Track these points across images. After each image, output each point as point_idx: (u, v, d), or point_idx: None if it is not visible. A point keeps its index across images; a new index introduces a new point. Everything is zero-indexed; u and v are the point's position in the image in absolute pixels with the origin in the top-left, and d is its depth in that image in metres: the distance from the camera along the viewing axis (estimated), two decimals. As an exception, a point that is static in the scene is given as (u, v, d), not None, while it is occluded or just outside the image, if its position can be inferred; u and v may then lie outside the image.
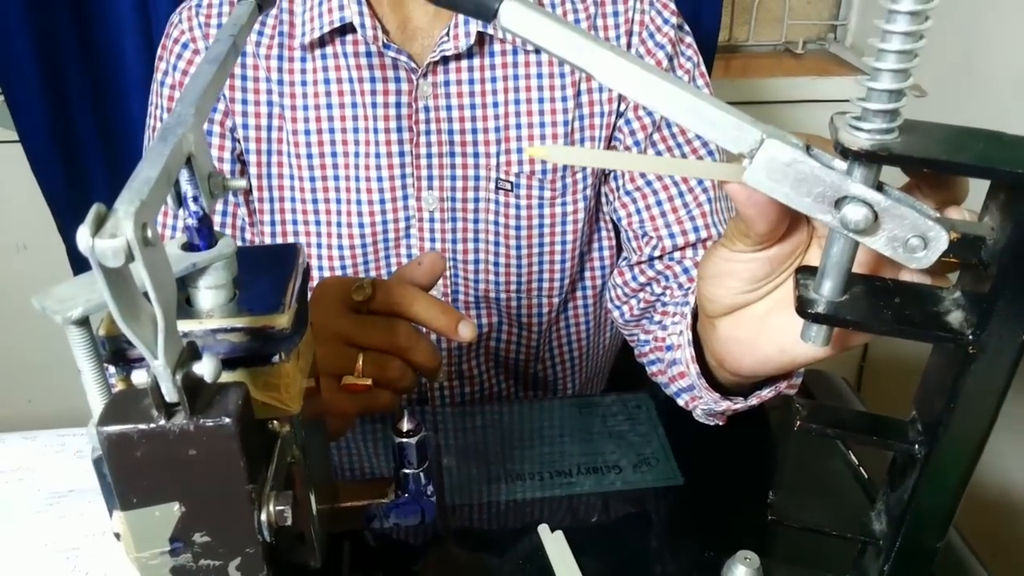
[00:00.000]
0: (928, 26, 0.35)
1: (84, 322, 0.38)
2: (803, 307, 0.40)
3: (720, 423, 0.72)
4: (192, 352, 0.36)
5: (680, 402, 0.74)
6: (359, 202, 0.85)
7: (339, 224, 0.87)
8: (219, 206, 0.87)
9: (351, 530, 0.56)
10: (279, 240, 0.88)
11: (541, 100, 0.84)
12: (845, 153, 0.37)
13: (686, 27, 0.90)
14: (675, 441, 0.75)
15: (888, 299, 0.41)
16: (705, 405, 0.68)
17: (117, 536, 0.41)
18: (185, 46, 0.86)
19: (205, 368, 0.36)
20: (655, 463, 0.72)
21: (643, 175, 0.87)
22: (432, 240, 0.87)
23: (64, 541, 0.64)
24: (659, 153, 0.87)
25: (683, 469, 0.72)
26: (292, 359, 0.43)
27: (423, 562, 0.64)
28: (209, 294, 0.42)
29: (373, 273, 0.89)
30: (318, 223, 0.87)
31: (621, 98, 0.86)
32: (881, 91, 0.37)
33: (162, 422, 0.36)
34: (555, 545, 0.63)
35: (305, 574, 0.49)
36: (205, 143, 0.40)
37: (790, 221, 0.46)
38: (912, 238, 0.38)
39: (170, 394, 0.35)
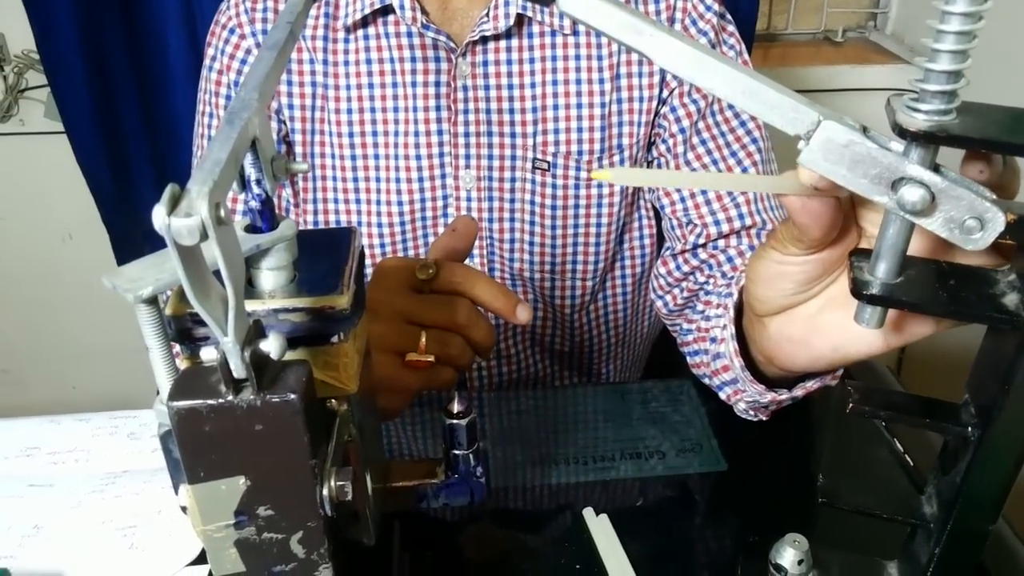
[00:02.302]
0: (988, 7, 0.35)
1: (153, 301, 0.40)
2: (858, 289, 0.41)
3: (764, 418, 0.72)
4: (258, 330, 0.37)
5: (722, 396, 0.74)
6: (398, 180, 0.87)
7: (379, 202, 0.88)
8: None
9: (401, 509, 0.57)
10: (320, 218, 0.90)
11: (578, 82, 0.85)
12: (903, 134, 0.37)
13: (728, 16, 0.90)
14: (718, 427, 0.75)
15: (943, 281, 0.41)
16: (749, 398, 0.68)
17: (184, 509, 0.42)
18: (232, 31, 0.88)
19: (271, 345, 0.37)
20: (698, 449, 0.73)
21: (688, 163, 0.87)
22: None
23: (121, 519, 0.66)
24: (703, 142, 0.87)
25: (726, 455, 0.72)
26: (350, 339, 0.44)
27: (471, 543, 0.65)
28: (270, 275, 0.43)
29: (411, 251, 0.90)
30: (358, 201, 0.89)
31: (663, 84, 0.86)
32: (939, 72, 0.37)
33: (230, 397, 0.37)
34: (600, 528, 0.64)
35: (358, 551, 0.50)
36: (268, 127, 0.41)
37: (842, 224, 0.46)
38: (969, 219, 0.38)
39: (238, 370, 0.36)
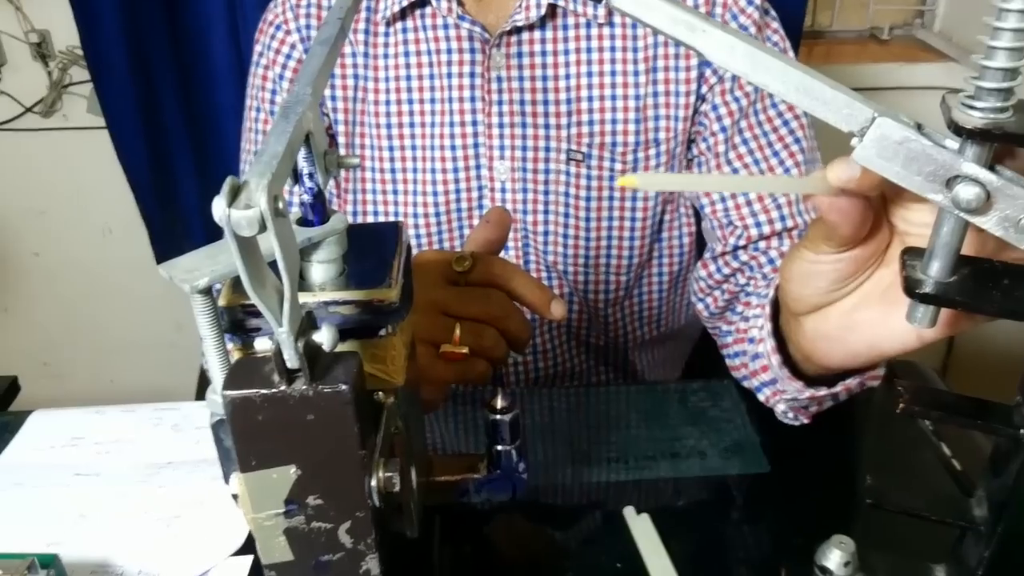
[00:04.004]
0: (1049, 3, 0.35)
1: (207, 292, 0.40)
2: (910, 287, 0.40)
3: (805, 420, 0.71)
4: (310, 322, 0.38)
5: (761, 397, 0.74)
6: (434, 171, 0.88)
7: (415, 192, 0.89)
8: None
9: (442, 503, 0.58)
10: (359, 208, 0.91)
11: (613, 73, 0.85)
12: (958, 131, 0.37)
13: (772, 12, 0.89)
14: (760, 428, 0.74)
15: (996, 280, 0.41)
16: (789, 396, 0.67)
17: (235, 498, 0.43)
18: (278, 28, 0.90)
19: (324, 337, 0.38)
20: (740, 450, 0.72)
21: (729, 163, 0.86)
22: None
23: (165, 509, 0.67)
24: (745, 141, 0.86)
25: (768, 457, 0.71)
26: (398, 332, 0.45)
27: (510, 538, 0.65)
28: (321, 268, 0.44)
29: (447, 243, 0.91)
30: (395, 192, 0.90)
31: (701, 79, 0.86)
32: (996, 69, 0.36)
33: (283, 387, 0.37)
34: (641, 527, 0.64)
35: (400, 544, 0.51)
36: (321, 122, 0.41)
37: (872, 221, 0.46)
38: (1025, 218, 0.38)
39: (292, 360, 0.37)
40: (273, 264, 0.35)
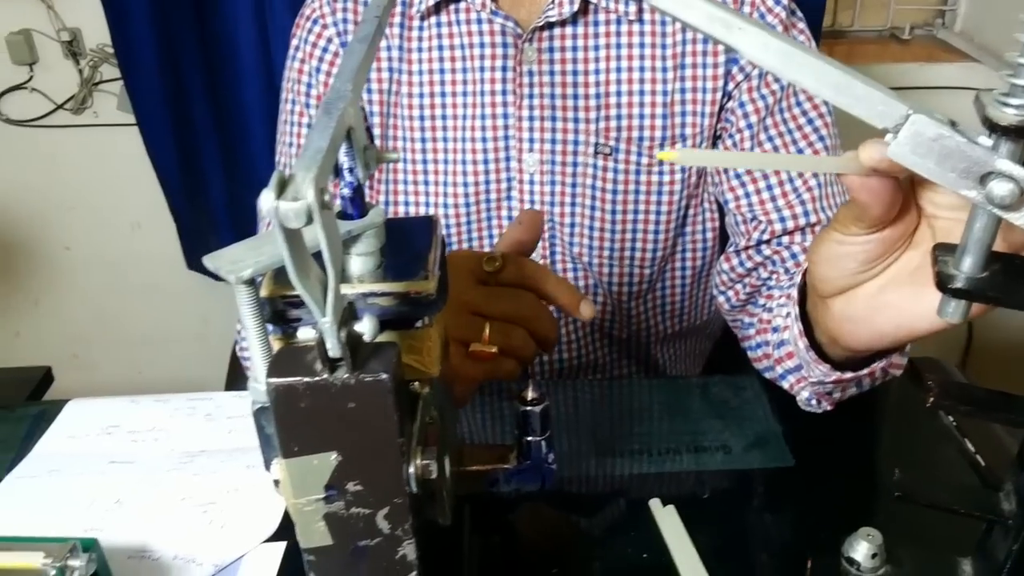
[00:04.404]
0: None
1: (251, 282, 0.41)
2: (943, 283, 0.41)
3: (828, 407, 0.72)
4: (352, 312, 0.39)
5: (785, 385, 0.75)
6: (464, 163, 0.89)
7: (445, 184, 0.91)
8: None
9: (472, 493, 0.59)
10: (390, 199, 0.93)
11: (642, 69, 0.86)
12: (993, 128, 0.37)
13: (799, 12, 0.90)
14: (784, 423, 0.75)
15: (1028, 277, 0.41)
16: (815, 380, 0.67)
17: (276, 483, 0.44)
18: (315, 22, 0.92)
19: (366, 327, 0.39)
20: (764, 444, 0.73)
21: None
22: (531, 202, 0.90)
23: (200, 496, 0.68)
24: (771, 139, 0.87)
25: (793, 451, 0.72)
26: (434, 324, 0.46)
27: (538, 528, 0.66)
28: (359, 261, 0.45)
29: (475, 234, 0.93)
30: (426, 183, 0.91)
31: (728, 77, 0.87)
32: (1030, 67, 0.37)
33: (325, 376, 0.38)
34: (667, 519, 0.65)
35: (432, 532, 0.52)
36: (361, 117, 0.42)
37: (901, 203, 0.47)
38: (1058, 215, 0.38)
39: (334, 350, 0.38)
40: (316, 256, 0.36)
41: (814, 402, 0.72)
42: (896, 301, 0.51)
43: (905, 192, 0.47)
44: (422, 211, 0.92)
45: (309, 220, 0.34)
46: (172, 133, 1.62)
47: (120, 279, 1.89)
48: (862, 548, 0.50)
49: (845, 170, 0.45)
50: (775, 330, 0.76)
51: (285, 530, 0.65)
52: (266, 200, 0.34)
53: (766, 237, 0.87)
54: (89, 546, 0.54)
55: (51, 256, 1.88)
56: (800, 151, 0.87)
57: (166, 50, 1.54)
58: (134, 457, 0.73)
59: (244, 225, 1.70)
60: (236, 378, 1.07)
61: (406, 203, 0.92)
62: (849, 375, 0.64)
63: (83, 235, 1.86)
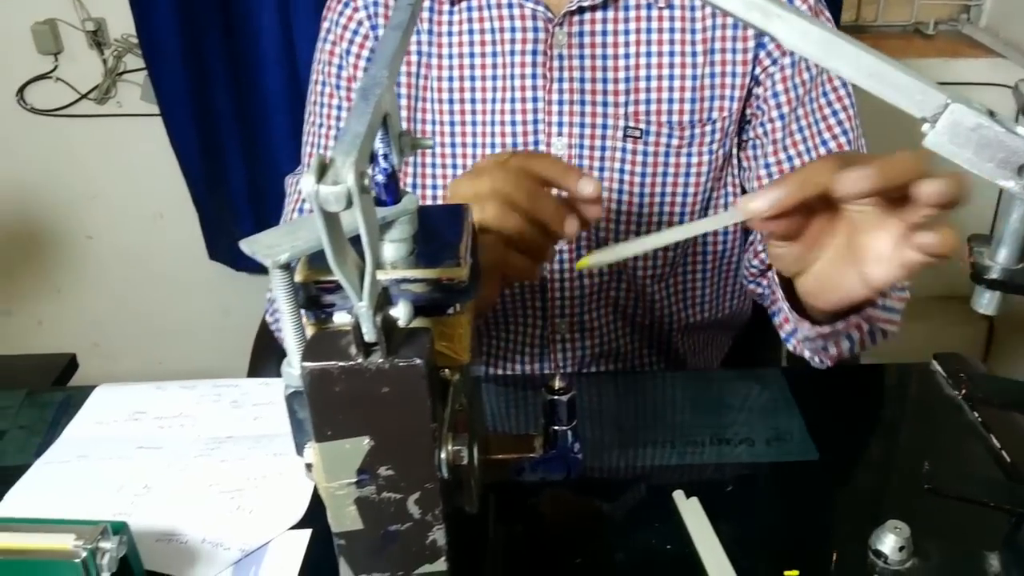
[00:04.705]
0: None
1: (287, 267, 0.42)
2: (978, 273, 0.41)
3: (829, 363, 0.80)
4: (386, 297, 0.39)
5: (789, 347, 0.83)
6: (493, 146, 0.90)
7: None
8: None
9: (497, 481, 0.59)
10: (419, 182, 0.93)
11: (672, 54, 0.87)
12: (1032, 119, 0.37)
13: (823, 2, 0.90)
14: (808, 417, 0.75)
15: (1064, 269, 0.41)
16: (803, 336, 0.76)
17: (308, 467, 0.45)
18: (346, 4, 0.93)
19: (401, 312, 0.39)
20: (788, 437, 0.73)
21: (784, 149, 0.88)
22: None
23: (227, 482, 0.69)
24: (800, 129, 0.88)
25: (817, 445, 0.72)
26: (465, 311, 0.46)
27: (562, 518, 0.66)
28: (392, 247, 0.45)
29: None
30: (455, 167, 0.92)
31: (756, 62, 0.87)
32: (1071, 57, 0.37)
33: (360, 360, 0.39)
34: (691, 510, 0.65)
35: (459, 519, 0.52)
36: (396, 104, 0.42)
37: (807, 212, 0.57)
38: (1097, 206, 0.38)
39: (369, 334, 0.38)
40: (351, 240, 0.37)
41: (816, 360, 0.80)
42: (834, 276, 0.61)
43: (809, 203, 0.56)
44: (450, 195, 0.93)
45: (348, 204, 0.34)
46: (195, 123, 1.63)
47: (142, 268, 1.91)
48: (889, 541, 0.50)
49: (732, 221, 0.60)
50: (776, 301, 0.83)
51: (311, 518, 0.65)
52: (307, 183, 0.34)
53: None
54: (119, 529, 0.54)
55: (74, 245, 1.90)
56: (825, 142, 0.89)
57: (190, 41, 1.55)
58: (161, 443, 0.74)
59: (265, 216, 1.71)
60: (258, 367, 1.07)
61: (434, 186, 0.92)
62: (827, 329, 0.72)
63: (106, 224, 1.88)
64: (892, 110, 0.40)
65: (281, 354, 0.46)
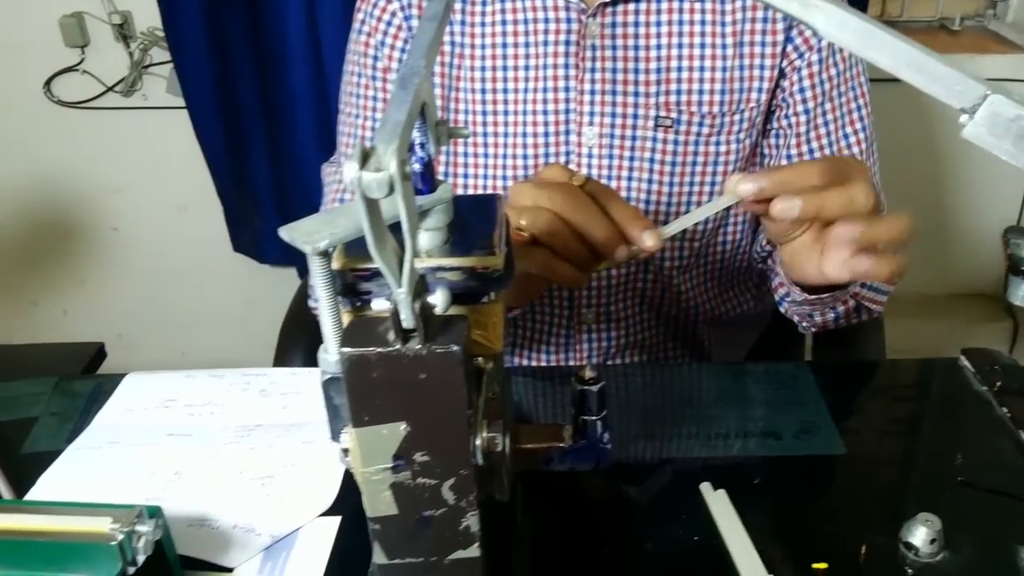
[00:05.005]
0: None
1: (326, 254, 0.42)
2: (1015, 265, 0.41)
3: (813, 328, 0.89)
4: (424, 285, 0.40)
5: (782, 309, 0.90)
6: (524, 135, 0.91)
7: (505, 156, 0.92)
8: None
9: (526, 471, 0.59)
10: (450, 171, 0.94)
11: (703, 46, 0.88)
12: (1072, 110, 0.37)
13: None
14: (835, 411, 0.75)
15: (1102, 262, 0.41)
16: (792, 299, 0.83)
17: (345, 452, 0.45)
18: None
19: (439, 299, 0.39)
20: (815, 431, 0.73)
21: (808, 142, 0.90)
22: (589, 176, 0.90)
23: (257, 469, 0.69)
24: (826, 123, 0.89)
25: (844, 439, 0.72)
26: (499, 299, 0.46)
27: (590, 508, 0.66)
28: (427, 235, 0.45)
29: None
30: (486, 156, 0.93)
31: (784, 55, 0.88)
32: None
33: (398, 346, 0.39)
34: (718, 503, 0.65)
35: (489, 507, 0.52)
36: (433, 93, 0.43)
37: None
38: None
39: (408, 321, 0.39)
40: (391, 228, 0.37)
41: (803, 324, 0.88)
42: (799, 258, 0.70)
43: None
44: (480, 183, 0.94)
45: (390, 191, 0.34)
46: (220, 117, 1.64)
47: (166, 260, 1.92)
48: (921, 533, 0.50)
49: (728, 203, 0.65)
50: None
51: (341, 505, 0.66)
52: (349, 171, 0.34)
53: None
54: (154, 513, 0.55)
55: (99, 236, 1.92)
56: (846, 136, 0.91)
57: (215, 34, 1.56)
58: (191, 430, 0.75)
59: (288, 209, 1.72)
60: (284, 358, 1.08)
61: (464, 175, 0.93)
62: (813, 297, 0.78)
63: (130, 216, 1.89)
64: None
65: (307, 346, 0.46)
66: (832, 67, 0.88)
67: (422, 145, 0.43)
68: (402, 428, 0.41)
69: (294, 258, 1.81)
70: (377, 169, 0.34)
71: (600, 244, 0.66)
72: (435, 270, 0.44)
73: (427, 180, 0.45)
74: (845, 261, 0.64)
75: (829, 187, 0.61)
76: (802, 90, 0.89)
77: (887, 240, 0.61)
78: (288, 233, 0.42)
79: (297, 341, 1.09)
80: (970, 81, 0.37)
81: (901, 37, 0.38)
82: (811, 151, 0.90)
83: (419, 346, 0.39)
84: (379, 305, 0.41)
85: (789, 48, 0.88)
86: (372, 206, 0.35)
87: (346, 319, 0.45)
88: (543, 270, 0.67)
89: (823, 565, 0.59)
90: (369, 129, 0.96)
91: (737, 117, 0.89)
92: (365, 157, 0.35)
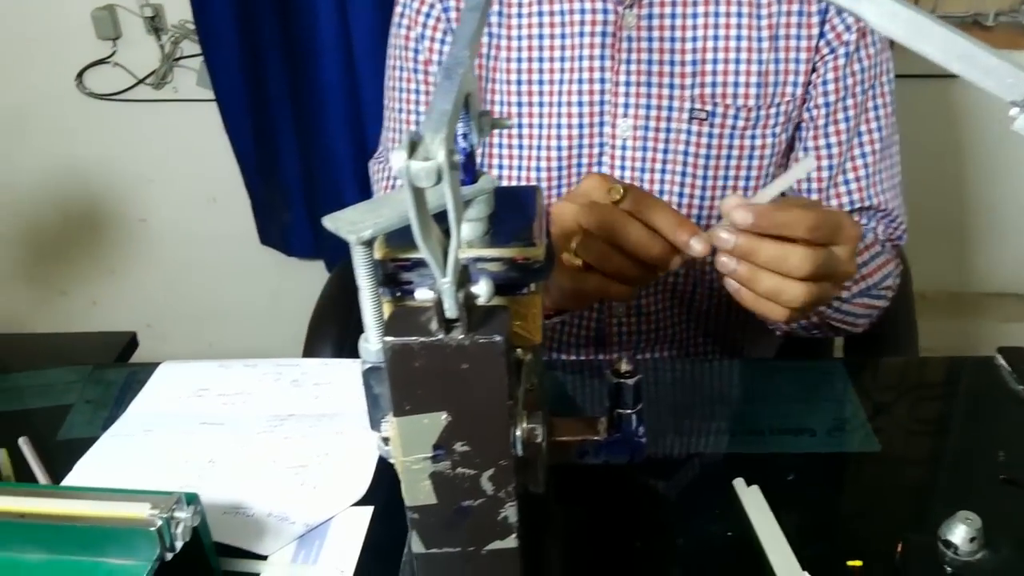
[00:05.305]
0: None
1: (368, 244, 0.42)
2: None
3: (779, 332, 0.91)
4: (466, 275, 0.40)
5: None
6: (559, 126, 0.91)
7: (539, 147, 0.92)
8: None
9: (560, 463, 0.59)
10: (484, 162, 0.94)
11: (738, 38, 0.88)
12: None
13: None
14: (870, 409, 0.74)
15: None
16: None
17: (385, 441, 0.45)
18: None
19: (482, 289, 0.39)
20: (849, 429, 0.72)
21: (826, 136, 0.90)
22: (623, 168, 0.92)
23: (291, 459, 0.70)
24: (848, 119, 0.90)
25: (879, 437, 0.71)
26: (539, 291, 0.46)
27: (623, 502, 0.66)
28: (469, 226, 0.45)
29: None
30: (520, 147, 0.93)
31: (816, 51, 0.87)
32: None
33: (441, 336, 0.39)
34: (752, 499, 0.65)
35: (524, 499, 0.52)
36: (477, 84, 0.43)
37: None
38: None
39: (451, 311, 0.39)
40: (436, 217, 0.37)
41: (770, 325, 0.89)
42: None
43: None
44: (515, 175, 0.94)
45: (438, 180, 0.34)
46: (250, 109, 1.65)
47: (194, 252, 1.94)
48: (960, 531, 0.50)
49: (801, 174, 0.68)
50: None
51: (373, 495, 0.66)
52: (397, 160, 0.34)
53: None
54: (192, 499, 0.55)
55: (128, 227, 1.94)
56: (860, 134, 0.91)
57: (246, 27, 1.57)
58: (224, 419, 0.76)
59: (317, 202, 1.73)
60: (313, 350, 1.09)
61: (499, 166, 0.93)
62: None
63: (160, 208, 1.91)
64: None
65: (336, 339, 0.46)
66: (856, 63, 0.88)
67: (464, 136, 0.43)
68: (443, 418, 0.41)
69: (321, 251, 1.82)
70: (425, 158, 0.34)
71: (653, 261, 0.67)
72: (476, 260, 0.44)
73: (469, 170, 0.45)
74: (736, 291, 0.67)
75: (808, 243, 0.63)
76: (825, 83, 0.89)
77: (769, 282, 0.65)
78: (332, 222, 0.42)
79: (327, 334, 1.09)
80: (1022, 74, 0.37)
81: (952, 28, 0.37)
82: (828, 146, 0.91)
83: (462, 336, 0.39)
84: (422, 295, 0.41)
85: (822, 43, 0.88)
86: (419, 195, 0.35)
87: (387, 309, 0.46)
88: (599, 293, 0.68)
89: (858, 563, 0.58)
90: (413, 123, 0.97)
91: (773, 111, 0.89)
92: (413, 146, 0.35)
